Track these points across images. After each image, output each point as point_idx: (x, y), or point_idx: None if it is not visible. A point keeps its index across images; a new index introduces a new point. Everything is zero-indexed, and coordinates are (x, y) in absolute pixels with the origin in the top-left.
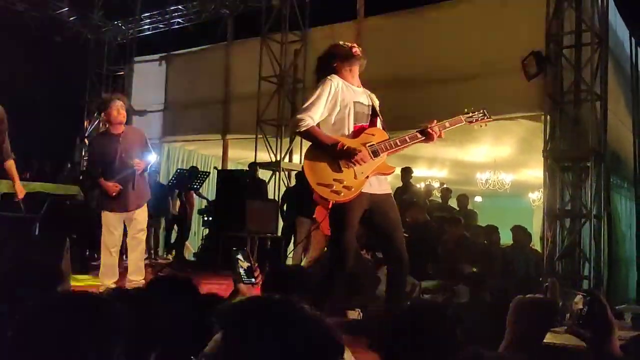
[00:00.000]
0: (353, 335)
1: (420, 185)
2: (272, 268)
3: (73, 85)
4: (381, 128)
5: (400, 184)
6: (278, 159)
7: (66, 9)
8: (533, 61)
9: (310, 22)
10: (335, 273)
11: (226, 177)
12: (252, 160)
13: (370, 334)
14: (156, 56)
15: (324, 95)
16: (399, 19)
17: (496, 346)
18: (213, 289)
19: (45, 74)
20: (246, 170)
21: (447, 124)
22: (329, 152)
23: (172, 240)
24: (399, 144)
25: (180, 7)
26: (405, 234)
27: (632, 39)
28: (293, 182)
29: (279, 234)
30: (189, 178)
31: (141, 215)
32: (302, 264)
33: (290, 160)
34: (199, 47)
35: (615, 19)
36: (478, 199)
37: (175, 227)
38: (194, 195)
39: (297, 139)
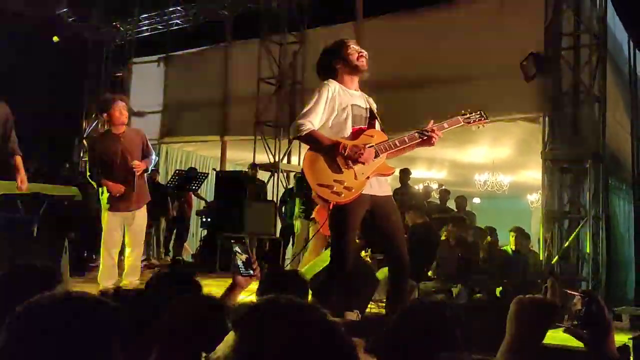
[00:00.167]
0: (351, 337)
1: (419, 187)
2: (270, 270)
3: (72, 86)
4: (380, 130)
5: (398, 185)
6: (277, 160)
7: (65, 9)
8: (532, 63)
9: (309, 23)
10: (335, 274)
11: (225, 178)
12: (251, 161)
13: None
14: (155, 57)
15: (321, 101)
16: (398, 21)
17: (495, 347)
18: (211, 291)
19: (43, 74)
20: (245, 171)
21: (445, 125)
22: (331, 153)
23: (171, 242)
24: (398, 144)
25: (179, 8)
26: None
27: (630, 41)
28: (292, 184)
29: (278, 235)
30: (188, 179)
31: (142, 216)
32: (300, 265)
33: (289, 161)
34: (198, 49)
35: (613, 21)
36: (476, 200)
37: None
38: (193, 196)
39: (296, 140)
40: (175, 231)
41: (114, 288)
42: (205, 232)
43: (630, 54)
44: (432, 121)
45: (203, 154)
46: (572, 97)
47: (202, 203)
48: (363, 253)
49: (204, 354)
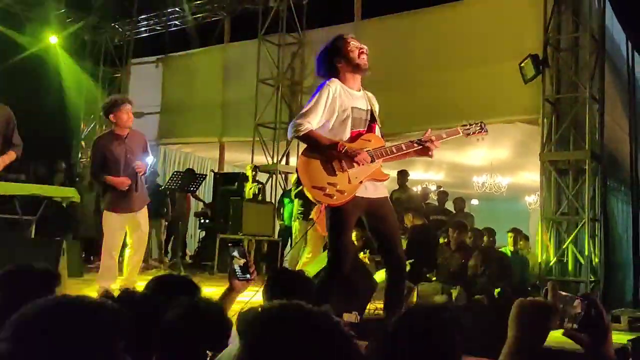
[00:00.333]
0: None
1: (417, 188)
2: (274, 271)
3: (70, 87)
4: (379, 134)
5: (396, 186)
6: (275, 161)
7: (63, 10)
8: (530, 64)
9: (307, 23)
10: (333, 276)
11: (223, 179)
12: (249, 163)
13: (367, 338)
14: (153, 58)
15: (322, 102)
16: (396, 22)
17: (496, 349)
18: (209, 292)
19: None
20: (243, 172)
21: (443, 135)
22: (328, 154)
23: (170, 243)
24: (394, 151)
25: (177, 8)
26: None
27: (629, 42)
28: (290, 185)
29: (276, 236)
30: (186, 181)
31: (143, 217)
32: (298, 266)
33: (287, 163)
34: (196, 49)
35: (611, 22)
36: (474, 202)
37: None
38: (191, 197)
39: (294, 141)
40: (173, 233)
41: (119, 289)
42: (203, 233)
43: (629, 54)
44: (429, 130)
45: (201, 155)
46: (570, 99)
47: (201, 204)
48: (362, 254)
49: (209, 353)
